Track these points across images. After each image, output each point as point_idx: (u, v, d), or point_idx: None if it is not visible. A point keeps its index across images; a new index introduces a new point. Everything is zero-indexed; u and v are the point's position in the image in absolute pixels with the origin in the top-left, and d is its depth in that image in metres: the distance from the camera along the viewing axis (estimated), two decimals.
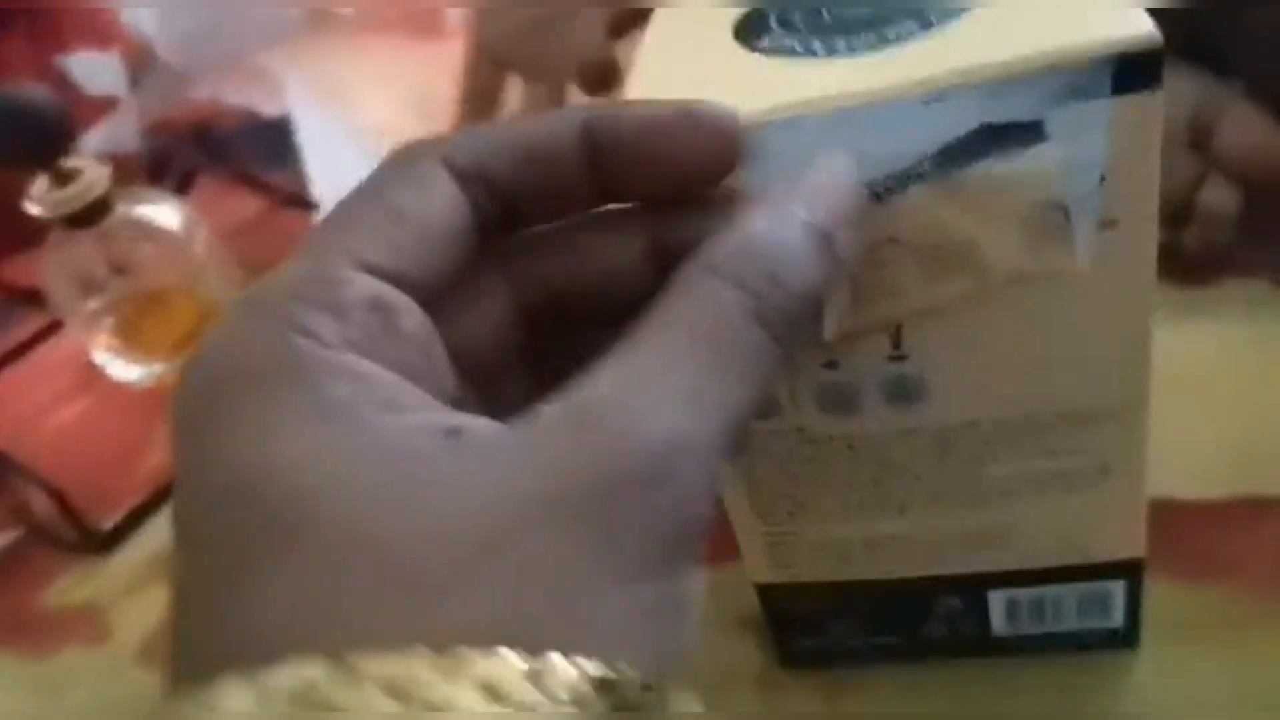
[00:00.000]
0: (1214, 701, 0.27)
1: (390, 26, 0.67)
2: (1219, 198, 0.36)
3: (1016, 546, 0.26)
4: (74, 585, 0.39)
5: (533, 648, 0.13)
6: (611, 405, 0.15)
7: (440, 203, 0.18)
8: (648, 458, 0.14)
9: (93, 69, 0.59)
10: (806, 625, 0.29)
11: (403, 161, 0.18)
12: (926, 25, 0.20)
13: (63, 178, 0.42)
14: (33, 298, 0.51)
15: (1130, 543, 0.26)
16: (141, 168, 0.58)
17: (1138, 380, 0.23)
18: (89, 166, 0.43)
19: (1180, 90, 0.36)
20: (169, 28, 0.67)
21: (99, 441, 0.45)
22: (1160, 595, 0.29)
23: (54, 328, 0.50)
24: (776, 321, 0.16)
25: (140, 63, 0.65)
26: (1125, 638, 0.28)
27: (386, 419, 0.15)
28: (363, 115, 0.61)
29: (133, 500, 0.41)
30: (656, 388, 0.15)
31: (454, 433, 0.15)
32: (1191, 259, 0.37)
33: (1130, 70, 0.18)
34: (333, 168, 0.57)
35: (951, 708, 0.29)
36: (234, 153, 0.60)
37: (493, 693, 0.13)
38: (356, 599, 0.14)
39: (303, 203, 0.54)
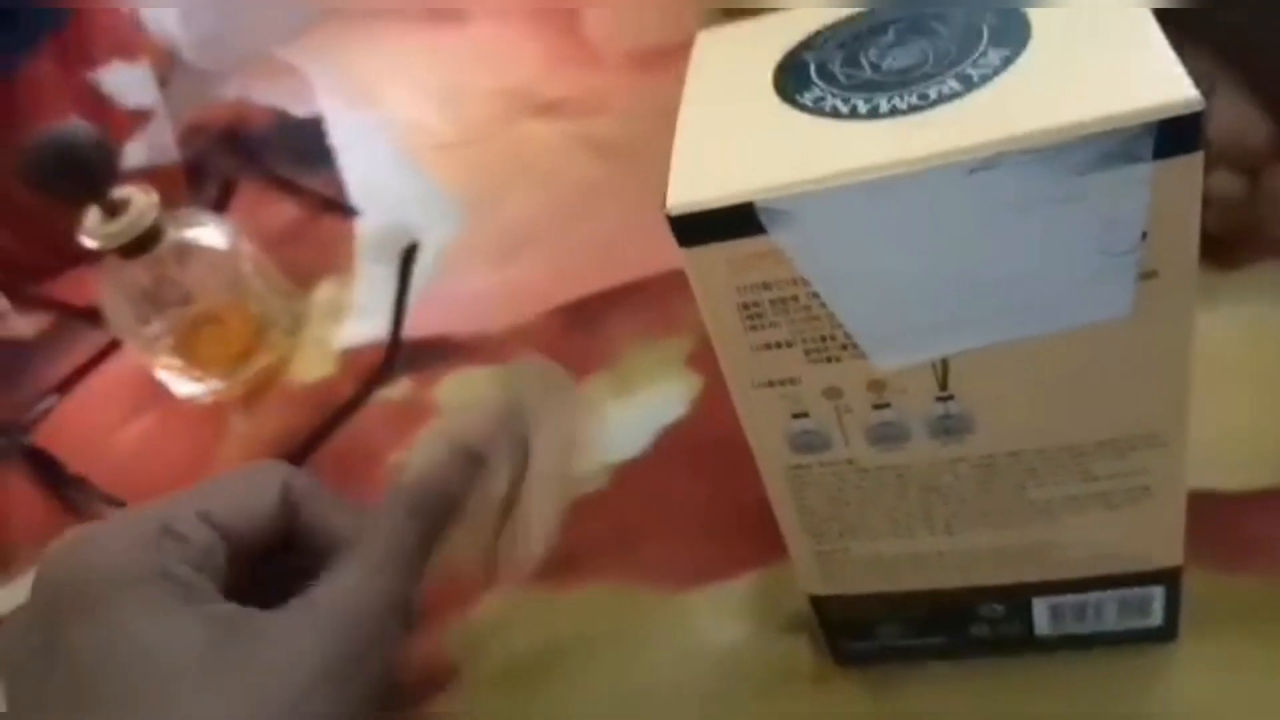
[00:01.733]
0: (1254, 692, 0.28)
1: (407, 15, 0.67)
2: (1226, 181, 0.36)
3: (1058, 559, 0.27)
4: None
5: None
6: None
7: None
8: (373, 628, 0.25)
9: (124, 81, 0.60)
10: (857, 630, 0.30)
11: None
12: (968, 84, 0.20)
13: (113, 208, 0.43)
14: (89, 316, 0.52)
15: (1169, 553, 0.26)
16: (182, 178, 0.59)
17: (1178, 410, 0.23)
18: (137, 196, 0.44)
19: None
20: (191, 27, 0.68)
21: (166, 460, 0.46)
22: (1198, 586, 0.30)
23: (114, 346, 0.51)
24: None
25: (167, 67, 0.66)
26: (1164, 633, 0.29)
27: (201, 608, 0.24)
28: (391, 110, 0.61)
29: None
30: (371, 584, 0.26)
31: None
32: (1215, 242, 0.37)
33: (1171, 135, 0.18)
34: (367, 168, 0.58)
35: (996, 704, 0.30)
36: (269, 155, 0.61)
37: None
38: None
39: (341, 208, 0.55)
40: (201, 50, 0.68)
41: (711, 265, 0.21)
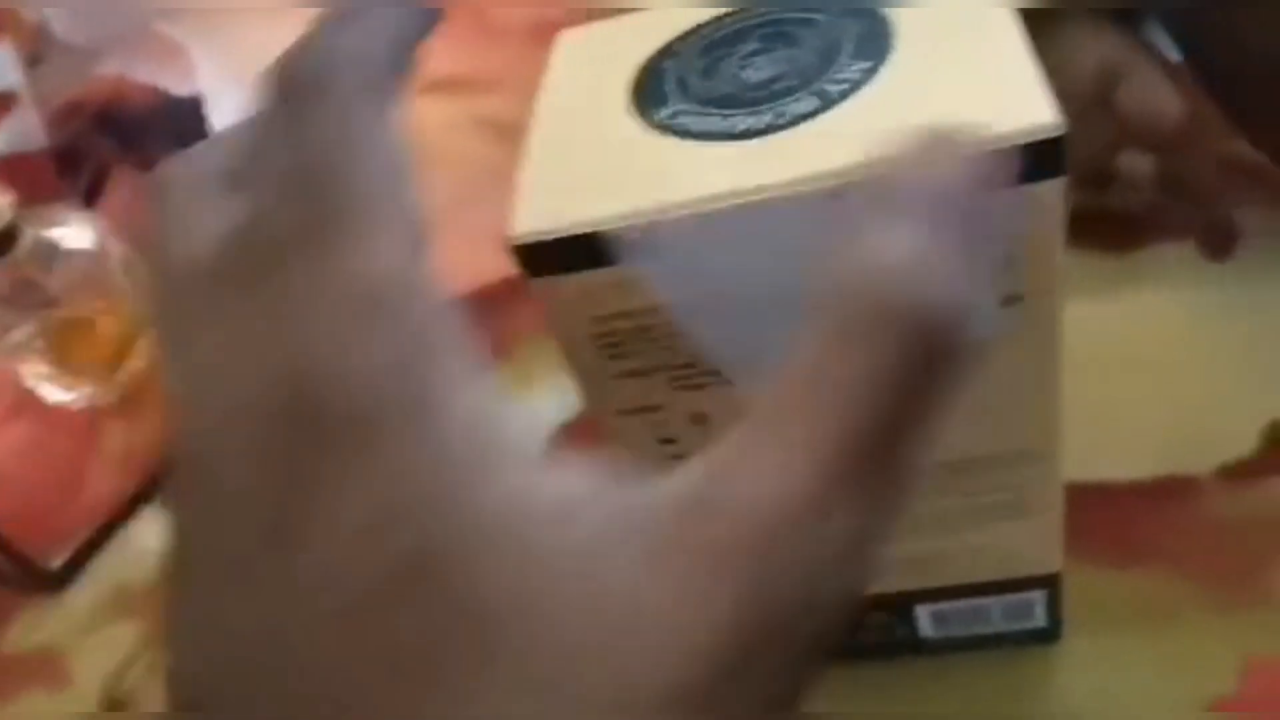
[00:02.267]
0: (1137, 689, 0.28)
1: None
2: (1135, 159, 0.35)
3: (939, 569, 0.26)
4: (29, 628, 0.39)
5: None
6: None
7: None
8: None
9: None
10: None
11: None
12: (826, 100, 0.19)
13: None
14: None
15: (1048, 560, 0.26)
16: (50, 166, 0.56)
17: (1050, 427, 0.23)
18: None
19: (1089, 49, 0.35)
20: (67, 1, 0.64)
21: (38, 471, 0.44)
22: (1085, 579, 0.30)
23: None
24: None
25: (37, 45, 0.62)
26: (1048, 634, 0.29)
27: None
28: None
29: (79, 534, 0.41)
30: None
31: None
32: (1115, 221, 0.37)
33: (1033, 161, 0.18)
34: None
35: (886, 707, 0.29)
36: (146, 139, 0.58)
37: None
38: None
39: None
40: (76, 26, 0.64)
41: (565, 295, 0.20)
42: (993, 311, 0.20)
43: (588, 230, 0.19)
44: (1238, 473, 0.31)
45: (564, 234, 0.19)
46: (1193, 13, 0.34)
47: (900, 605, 0.28)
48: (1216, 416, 0.33)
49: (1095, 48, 0.35)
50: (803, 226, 0.19)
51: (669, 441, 0.23)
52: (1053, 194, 0.18)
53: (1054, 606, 0.28)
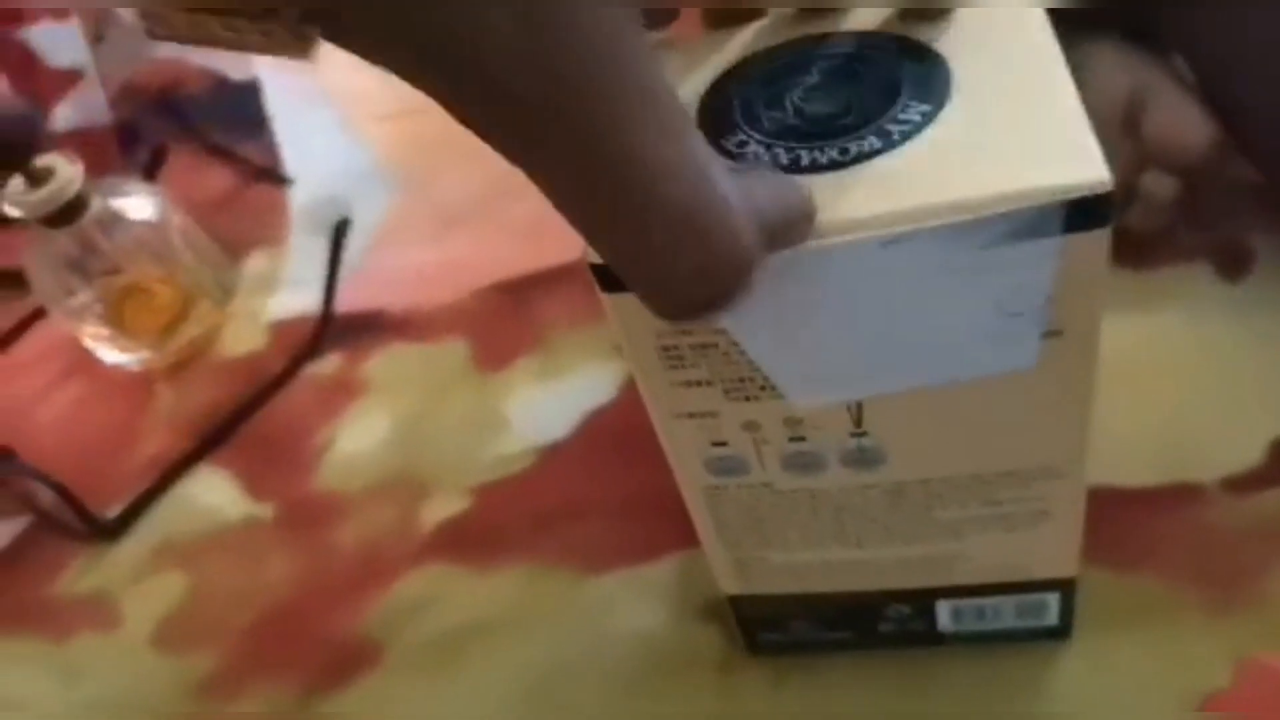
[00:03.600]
0: (1133, 685, 0.29)
1: None
2: (1158, 181, 0.36)
3: (961, 569, 0.27)
4: (82, 573, 0.40)
5: None
6: None
7: None
8: None
9: (54, 40, 0.58)
10: (771, 624, 0.31)
11: None
12: (888, 142, 0.20)
13: (36, 178, 0.42)
14: (15, 281, 0.51)
15: (1065, 566, 0.27)
16: (113, 141, 0.58)
17: (1078, 447, 0.23)
18: (61, 165, 0.43)
19: (1117, 74, 0.37)
20: None
21: (95, 428, 0.46)
22: (1087, 580, 0.31)
23: (40, 313, 0.50)
24: None
25: (101, 24, 0.64)
26: (1059, 632, 0.30)
27: None
28: (330, 78, 0.60)
29: (132, 488, 0.42)
30: None
31: None
32: (1134, 240, 0.38)
33: (1081, 212, 0.18)
34: (304, 136, 0.57)
35: (894, 698, 0.30)
36: (203, 121, 0.59)
37: None
38: None
39: (275, 177, 0.54)
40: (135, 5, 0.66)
41: (634, 310, 0.21)
42: (1035, 344, 0.21)
43: None
44: (1241, 484, 0.33)
45: None
46: (1192, 32, 0.35)
47: (922, 600, 0.29)
48: (1224, 430, 0.34)
49: (1123, 71, 0.36)
50: (860, 269, 0.20)
51: (719, 444, 0.24)
52: (1097, 243, 0.19)
53: (1067, 607, 0.29)
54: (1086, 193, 0.18)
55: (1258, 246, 0.37)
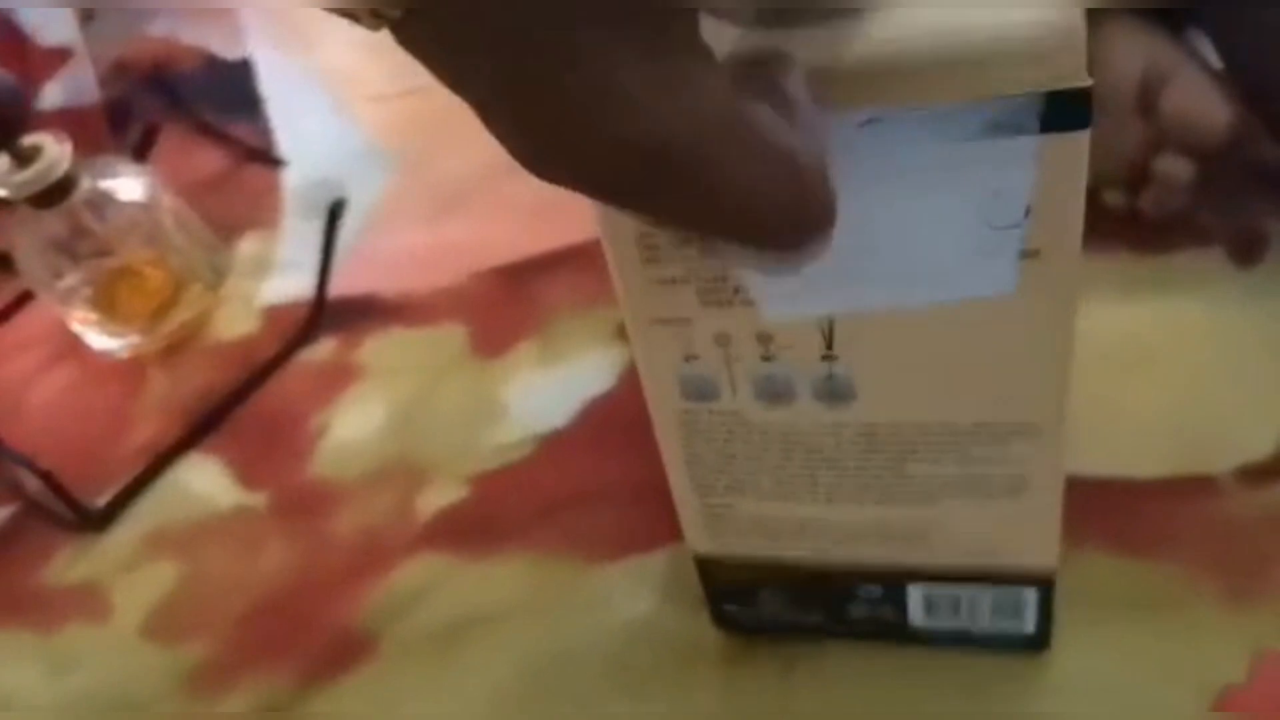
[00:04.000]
0: (1148, 676, 0.29)
1: None
2: (1174, 164, 0.36)
3: (934, 544, 0.27)
4: (71, 563, 0.39)
5: None
6: None
7: None
8: None
9: (43, 17, 0.57)
10: (739, 595, 0.30)
11: None
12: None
13: (23, 157, 0.41)
14: (1, 263, 0.50)
15: (1044, 553, 0.26)
16: (103, 120, 0.57)
17: (1055, 401, 0.23)
18: (49, 145, 0.42)
19: (1132, 52, 0.36)
20: None
21: (83, 415, 0.45)
22: (1101, 569, 0.31)
23: (28, 296, 0.49)
24: None
25: (89, 2, 0.63)
26: (1036, 642, 0.29)
27: None
28: (324, 57, 0.59)
29: (122, 475, 0.42)
30: None
31: None
32: (1148, 223, 0.37)
33: (1059, 110, 0.18)
34: (296, 117, 0.56)
35: (895, 696, 0.30)
36: (195, 99, 0.58)
37: None
38: None
39: (268, 158, 0.53)
40: None
41: None
42: (1014, 265, 0.20)
43: None
44: (1255, 474, 0.32)
45: None
46: (1227, 10, 0.34)
47: (893, 580, 0.28)
48: (1237, 419, 0.33)
49: (1140, 50, 0.35)
50: (843, 151, 0.19)
51: (692, 358, 0.24)
52: (1076, 146, 0.18)
53: (1045, 612, 0.28)
54: (1065, 85, 0.18)
55: (1274, 232, 0.36)
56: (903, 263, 0.21)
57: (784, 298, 0.22)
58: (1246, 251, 0.36)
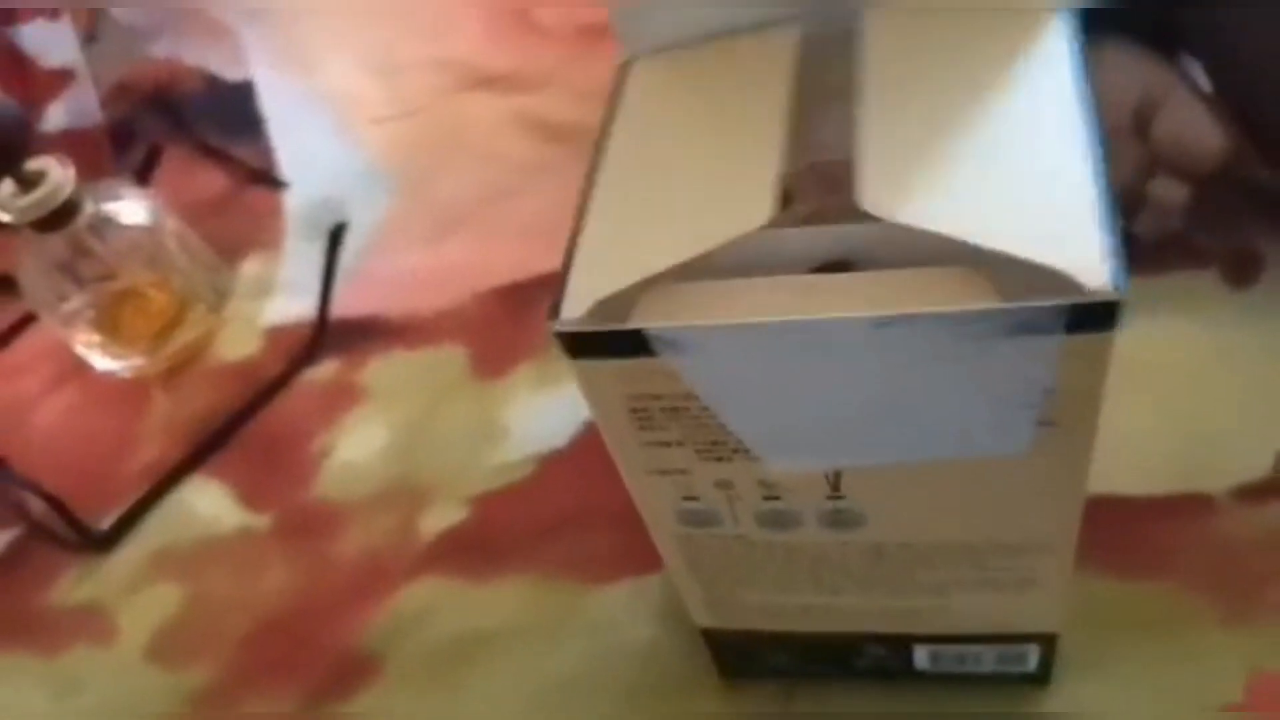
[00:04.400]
0: (1145, 697, 0.29)
1: None
2: (1168, 187, 0.36)
3: (941, 621, 0.27)
4: (76, 585, 0.40)
5: None
6: None
7: None
8: None
9: (45, 39, 0.57)
10: (745, 656, 0.30)
11: None
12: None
13: (27, 181, 0.42)
14: (5, 286, 0.50)
15: (1048, 623, 0.26)
16: (106, 141, 0.57)
17: (1068, 526, 0.23)
18: (53, 169, 0.42)
19: (1128, 76, 0.36)
20: None
21: (87, 436, 0.45)
22: (1096, 589, 0.31)
23: (31, 319, 0.50)
24: None
25: (93, 23, 0.63)
26: (1038, 679, 0.29)
27: None
28: (325, 79, 0.59)
29: (126, 497, 0.42)
30: None
31: None
32: (1142, 246, 0.38)
33: (1086, 315, 0.17)
34: (298, 139, 0.56)
35: (907, 710, 0.30)
36: (197, 121, 0.59)
37: None
38: None
39: (270, 180, 0.53)
40: (131, 5, 0.66)
41: (601, 375, 0.20)
42: (1029, 431, 0.20)
43: (630, 328, 0.19)
44: (1252, 494, 0.32)
45: (606, 329, 0.19)
46: (1218, 37, 0.34)
47: (898, 645, 0.28)
48: (1233, 439, 0.33)
49: (1134, 76, 0.36)
50: (847, 346, 0.19)
51: (691, 499, 0.23)
52: (1102, 345, 0.18)
53: (1047, 657, 0.28)
54: (1092, 299, 0.17)
55: (1268, 253, 0.37)
56: (914, 429, 0.20)
57: (788, 454, 0.21)
58: (1241, 272, 0.36)
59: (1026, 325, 0.18)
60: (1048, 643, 0.28)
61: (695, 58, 0.23)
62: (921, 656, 0.29)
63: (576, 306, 0.19)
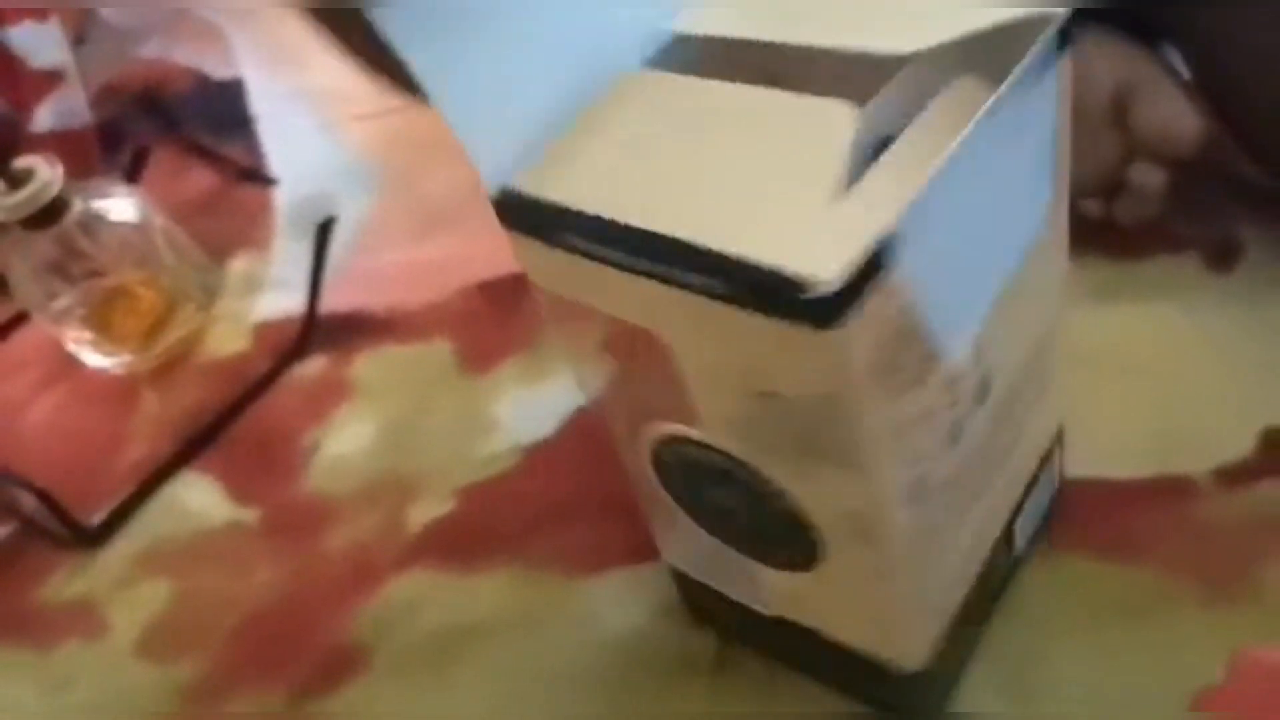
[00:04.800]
0: (1124, 678, 0.29)
1: None
2: (1147, 172, 0.36)
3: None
4: (67, 581, 0.40)
5: None
6: None
7: None
8: None
9: (33, 40, 0.57)
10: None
11: None
12: None
13: (15, 180, 0.42)
14: None
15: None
16: (95, 142, 0.57)
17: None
18: (41, 168, 0.42)
19: (1106, 65, 0.36)
20: None
21: (78, 433, 0.45)
22: (1078, 572, 0.31)
23: (22, 317, 0.50)
24: None
25: (82, 24, 0.63)
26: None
27: None
28: (313, 77, 0.59)
29: (117, 493, 0.42)
30: None
31: None
32: (1123, 231, 0.38)
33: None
34: (287, 137, 0.56)
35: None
36: (187, 120, 0.59)
37: None
38: None
39: (259, 178, 0.54)
40: (119, 6, 0.66)
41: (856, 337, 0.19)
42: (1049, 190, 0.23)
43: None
44: (1232, 475, 0.32)
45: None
46: (1196, 27, 0.34)
47: None
48: (1213, 420, 0.33)
49: (1114, 64, 0.36)
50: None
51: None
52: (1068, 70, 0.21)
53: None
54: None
55: (1247, 238, 0.37)
56: (1003, 231, 0.22)
57: (963, 330, 0.22)
58: (1220, 256, 0.37)
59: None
60: None
61: None
62: None
63: (820, 269, 0.17)
